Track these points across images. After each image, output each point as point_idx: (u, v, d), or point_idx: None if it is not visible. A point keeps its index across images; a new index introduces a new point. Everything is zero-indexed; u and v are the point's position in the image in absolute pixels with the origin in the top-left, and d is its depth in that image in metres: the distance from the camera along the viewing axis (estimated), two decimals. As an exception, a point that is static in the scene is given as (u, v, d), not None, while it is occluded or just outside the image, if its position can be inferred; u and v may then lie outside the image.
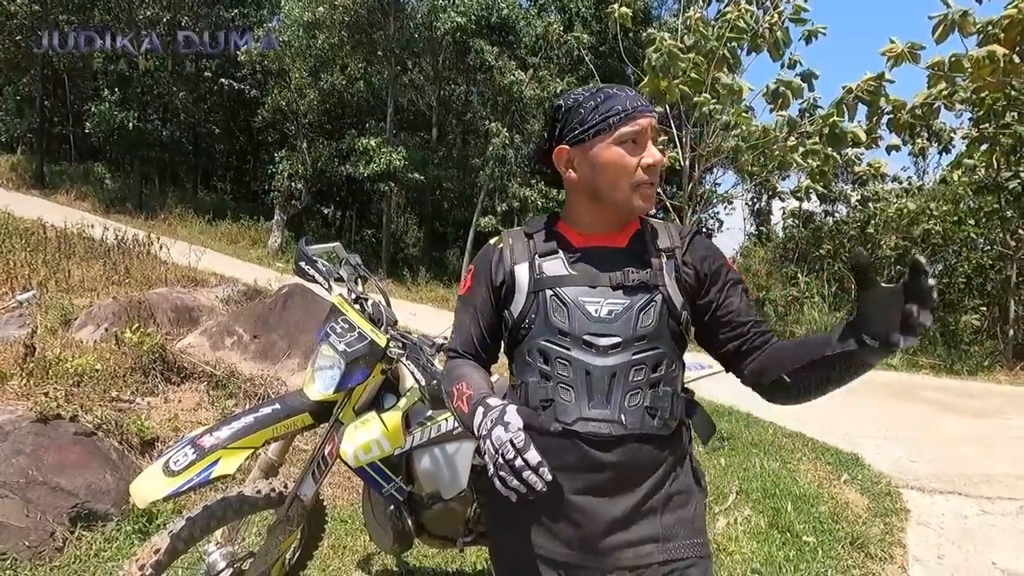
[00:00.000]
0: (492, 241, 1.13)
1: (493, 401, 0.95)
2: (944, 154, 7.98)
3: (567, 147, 1.04)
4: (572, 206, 1.09)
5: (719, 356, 1.09)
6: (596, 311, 1.00)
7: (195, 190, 19.05)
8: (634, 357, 0.98)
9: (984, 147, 6.85)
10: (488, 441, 0.89)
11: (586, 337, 0.99)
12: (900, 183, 10.43)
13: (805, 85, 6.82)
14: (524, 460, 0.85)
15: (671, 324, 1.01)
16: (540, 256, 1.05)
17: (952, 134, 7.48)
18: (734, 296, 1.05)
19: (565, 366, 0.99)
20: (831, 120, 6.10)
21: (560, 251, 1.05)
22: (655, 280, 1.01)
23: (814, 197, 11.03)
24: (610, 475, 0.98)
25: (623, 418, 0.97)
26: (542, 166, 1.11)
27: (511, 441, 0.87)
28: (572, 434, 0.98)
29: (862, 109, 6.13)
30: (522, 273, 1.05)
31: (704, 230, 1.07)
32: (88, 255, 6.59)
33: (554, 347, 1.00)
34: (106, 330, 4.06)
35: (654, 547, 1.00)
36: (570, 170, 1.05)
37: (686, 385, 1.10)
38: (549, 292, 1.02)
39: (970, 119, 6.93)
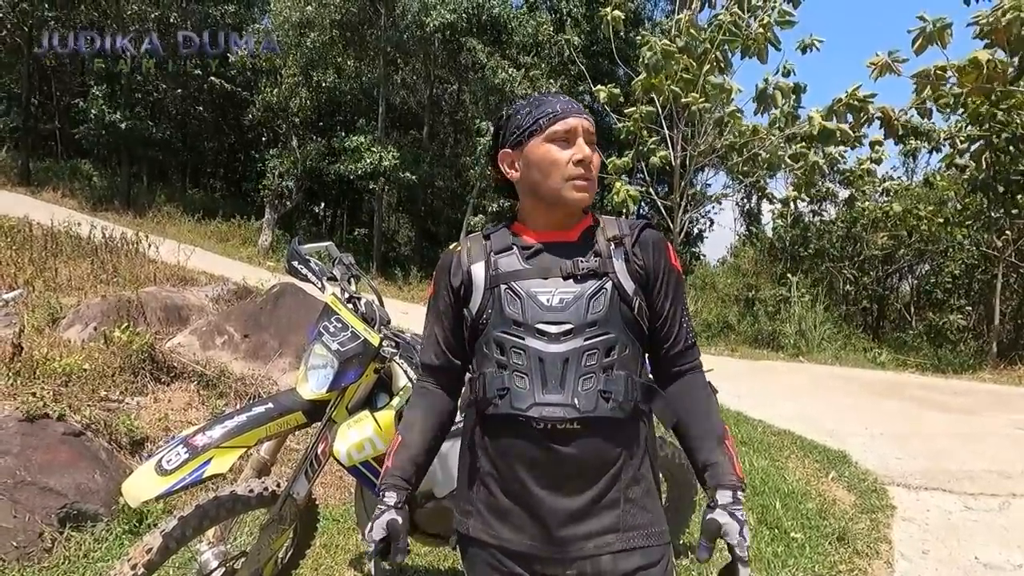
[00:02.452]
0: (451, 247, 1.19)
1: (389, 497, 1.10)
2: (934, 153, 8.08)
3: (508, 150, 1.12)
4: (522, 206, 1.15)
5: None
6: (548, 300, 1.04)
7: (184, 188, 18.85)
8: (586, 342, 1.02)
9: (976, 146, 6.96)
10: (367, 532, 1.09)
11: (539, 325, 1.03)
12: (890, 183, 10.53)
13: (793, 95, 6.93)
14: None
15: (623, 309, 1.06)
16: (496, 254, 1.10)
17: (942, 135, 7.58)
18: (666, 301, 1.12)
19: (519, 354, 1.03)
20: (818, 123, 6.21)
21: (514, 248, 1.10)
22: (604, 268, 1.06)
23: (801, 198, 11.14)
24: (570, 469, 1.02)
25: (576, 401, 1.00)
26: (492, 172, 1.18)
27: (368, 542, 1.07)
28: (529, 423, 1.01)
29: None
30: (479, 271, 1.10)
31: (653, 224, 1.16)
32: (75, 253, 6.51)
33: (509, 337, 1.04)
34: (94, 329, 4.02)
35: (614, 536, 1.04)
36: (512, 170, 1.12)
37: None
38: (504, 286, 1.07)
39: (960, 119, 7.04)
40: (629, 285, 1.07)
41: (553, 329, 1.03)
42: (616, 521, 1.04)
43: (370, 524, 1.07)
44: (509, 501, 1.05)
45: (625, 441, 1.06)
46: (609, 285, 1.06)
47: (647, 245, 1.11)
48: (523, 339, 1.03)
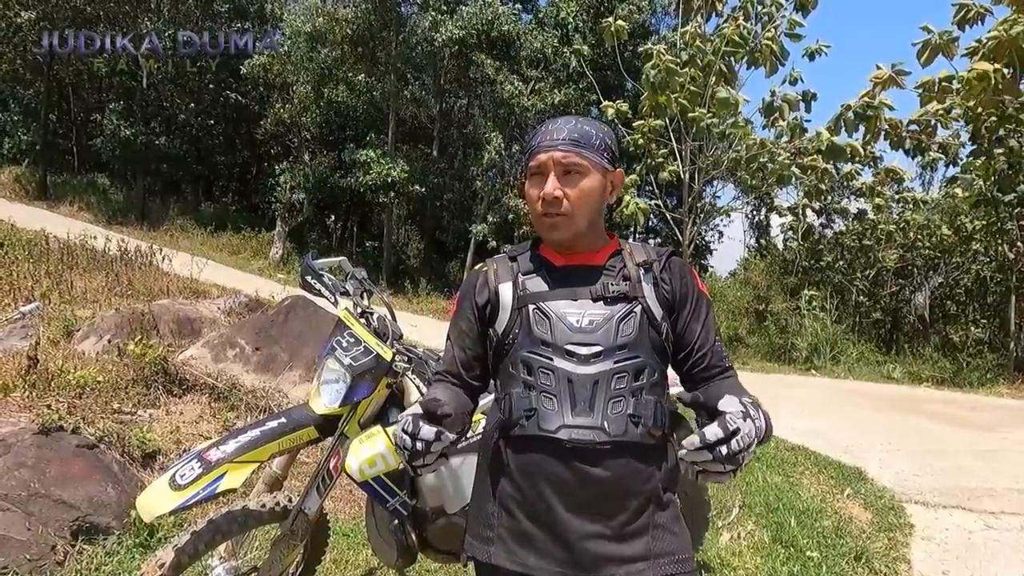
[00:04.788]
0: (478, 267, 1.19)
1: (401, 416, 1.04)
2: (951, 167, 8.03)
3: (524, 180, 1.14)
4: None
5: (675, 368, 1.16)
6: (577, 321, 1.03)
7: (197, 202, 19.10)
8: (616, 365, 1.01)
9: (980, 160, 6.91)
10: (400, 446, 0.99)
11: (568, 347, 1.02)
12: (908, 197, 10.44)
13: (802, 102, 6.93)
14: (417, 436, 0.96)
15: (651, 334, 1.05)
16: (523, 275, 1.10)
17: (960, 147, 7.53)
18: (696, 324, 1.11)
19: (548, 375, 1.02)
20: (826, 139, 6.20)
21: (543, 269, 1.11)
22: (634, 292, 1.06)
23: (810, 212, 11.09)
24: (598, 490, 1.00)
25: (606, 425, 0.99)
26: None
27: (404, 431, 0.98)
28: (557, 444, 1.00)
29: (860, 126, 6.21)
30: (506, 292, 1.10)
31: (678, 252, 1.18)
32: (91, 266, 6.60)
33: (537, 357, 1.03)
34: (108, 342, 4.06)
35: (644, 564, 1.01)
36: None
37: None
38: (532, 306, 1.06)
39: (968, 135, 7.00)
40: (657, 310, 1.07)
41: (582, 351, 1.02)
42: (646, 548, 1.02)
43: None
44: (533, 525, 1.03)
45: (654, 465, 1.04)
46: (639, 309, 1.05)
47: (675, 271, 1.12)
48: (551, 359, 1.02)
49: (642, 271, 1.08)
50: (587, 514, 1.01)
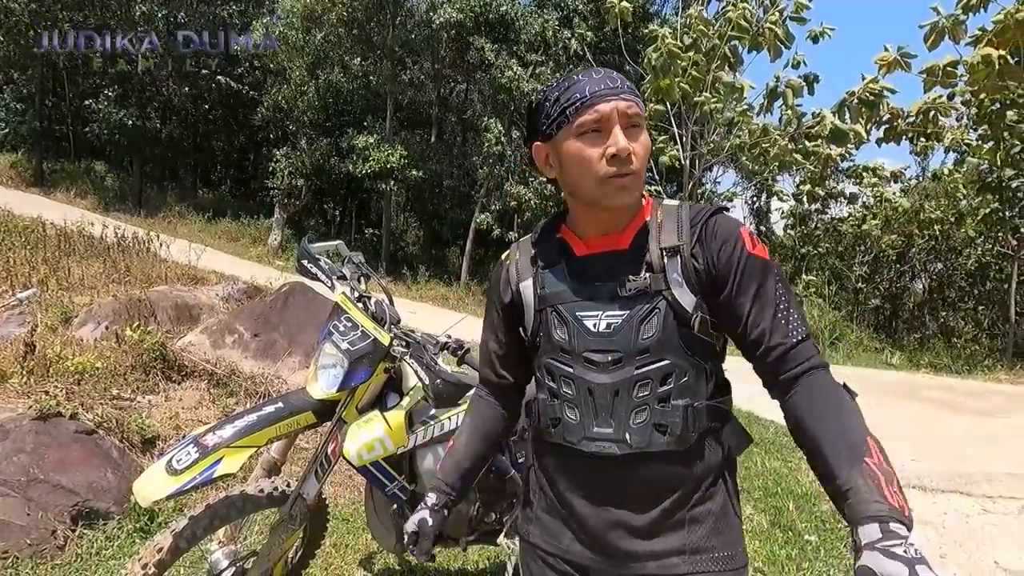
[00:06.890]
0: (503, 257, 1.12)
1: (429, 498, 1.14)
2: (950, 152, 7.98)
3: (540, 143, 0.99)
4: (568, 206, 1.04)
5: (744, 356, 0.98)
6: (595, 326, 0.95)
7: (195, 188, 19.00)
8: (637, 372, 0.92)
9: (988, 145, 6.86)
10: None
11: (586, 354, 0.95)
12: (899, 182, 10.41)
13: (805, 85, 6.86)
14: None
15: (681, 331, 0.92)
16: (543, 269, 1.02)
17: (967, 129, 7.47)
18: (743, 298, 0.92)
19: (569, 384, 0.97)
20: (830, 123, 6.15)
21: (562, 262, 1.01)
22: (657, 285, 0.93)
23: (805, 198, 11.09)
24: (630, 491, 0.97)
25: (628, 436, 0.93)
26: (532, 168, 1.06)
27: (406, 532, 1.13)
28: (581, 452, 0.98)
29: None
30: (527, 291, 1.03)
31: (724, 206, 1.01)
32: (88, 253, 6.56)
33: (558, 365, 0.98)
34: (107, 328, 4.05)
35: (680, 559, 0.96)
36: (547, 167, 1.00)
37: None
38: (551, 309, 0.99)
39: (970, 120, 6.94)
40: (687, 299, 0.92)
41: (601, 358, 0.94)
42: (682, 543, 0.96)
43: (411, 517, 1.13)
44: (567, 513, 1.03)
45: (691, 464, 0.96)
46: (663, 304, 0.92)
47: (709, 240, 0.94)
48: (572, 368, 0.96)
49: (667, 257, 0.94)
50: (620, 511, 0.98)
